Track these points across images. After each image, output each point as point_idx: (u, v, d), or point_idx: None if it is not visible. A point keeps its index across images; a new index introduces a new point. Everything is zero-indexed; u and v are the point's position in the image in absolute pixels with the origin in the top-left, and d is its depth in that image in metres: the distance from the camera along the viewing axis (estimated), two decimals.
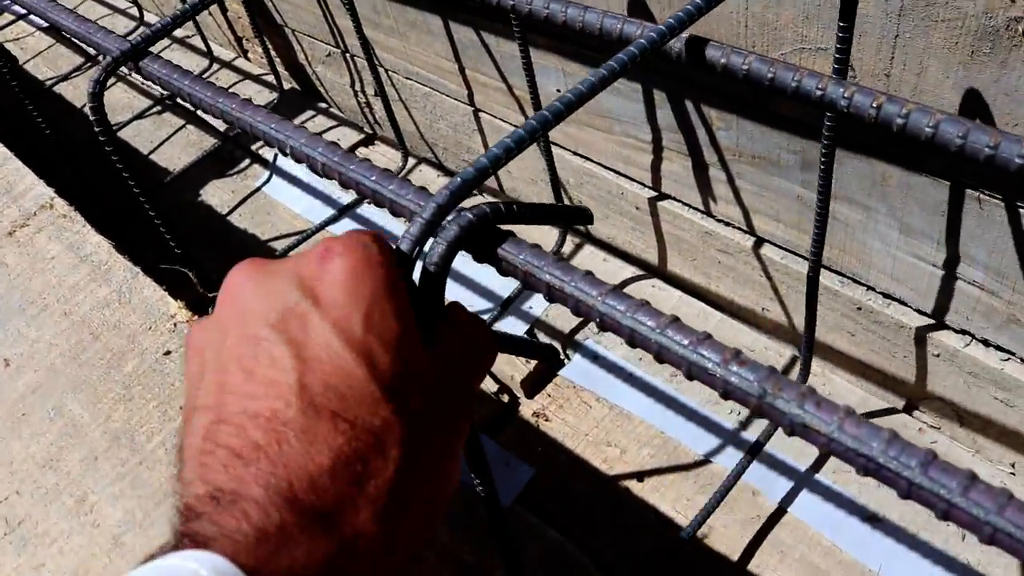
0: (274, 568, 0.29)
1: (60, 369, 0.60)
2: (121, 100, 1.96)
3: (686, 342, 0.36)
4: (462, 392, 0.38)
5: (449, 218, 0.42)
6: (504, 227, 0.44)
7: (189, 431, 0.34)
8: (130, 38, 0.68)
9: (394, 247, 0.39)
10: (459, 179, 0.45)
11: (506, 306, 1.29)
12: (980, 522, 0.30)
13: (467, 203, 0.43)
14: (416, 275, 0.41)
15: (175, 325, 0.59)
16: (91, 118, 0.69)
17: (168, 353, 0.61)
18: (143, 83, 2.00)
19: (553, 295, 0.39)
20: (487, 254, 0.43)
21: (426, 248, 0.43)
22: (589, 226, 1.36)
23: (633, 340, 0.37)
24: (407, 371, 0.34)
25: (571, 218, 0.49)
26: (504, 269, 0.42)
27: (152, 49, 0.70)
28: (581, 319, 1.27)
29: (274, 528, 0.29)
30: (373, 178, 0.47)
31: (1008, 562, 0.95)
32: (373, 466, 0.32)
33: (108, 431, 0.55)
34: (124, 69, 0.66)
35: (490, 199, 0.46)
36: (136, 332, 0.59)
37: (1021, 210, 0.77)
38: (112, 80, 2.06)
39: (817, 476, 1.05)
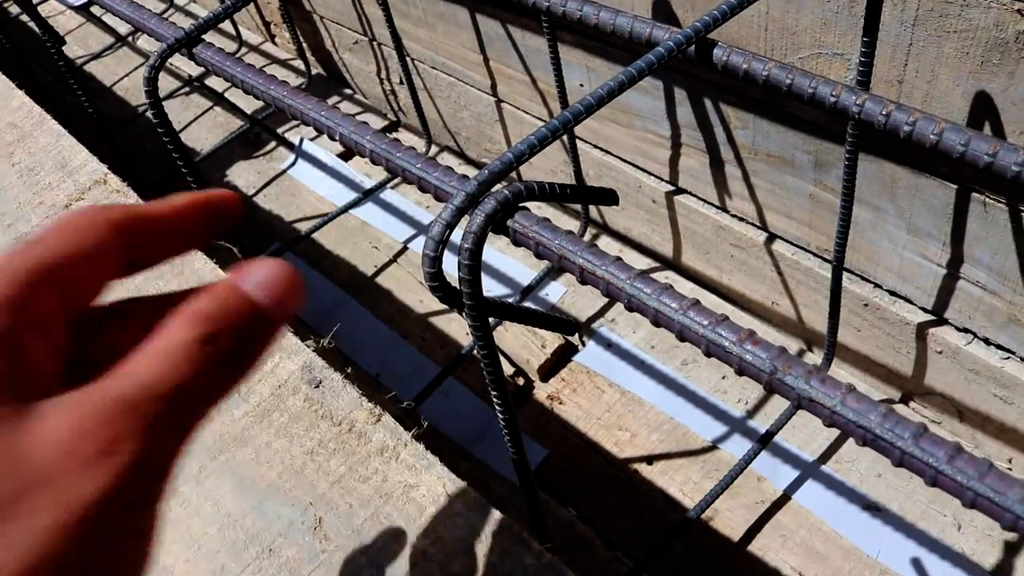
0: None
1: None
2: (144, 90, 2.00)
3: (705, 322, 0.40)
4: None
5: (489, 193, 0.47)
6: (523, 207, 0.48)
7: None
8: (184, 27, 0.72)
9: None
10: (486, 171, 0.49)
11: (527, 293, 1.33)
12: (964, 488, 0.34)
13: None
14: (455, 262, 0.45)
15: None
16: (146, 100, 0.73)
17: None
18: (171, 64, 2.04)
19: (585, 277, 0.43)
20: (521, 235, 0.47)
21: (457, 230, 0.47)
22: (606, 218, 1.39)
23: (657, 320, 0.41)
24: None
25: (598, 198, 0.54)
26: (540, 253, 0.46)
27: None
28: (597, 309, 1.31)
29: None
30: (419, 165, 0.51)
31: (1000, 551, 0.99)
32: None
33: None
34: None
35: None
36: None
37: (1023, 214, 0.81)
38: (140, 60, 2.10)
39: (820, 466, 1.09)
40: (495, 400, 0.56)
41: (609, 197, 0.54)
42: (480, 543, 0.44)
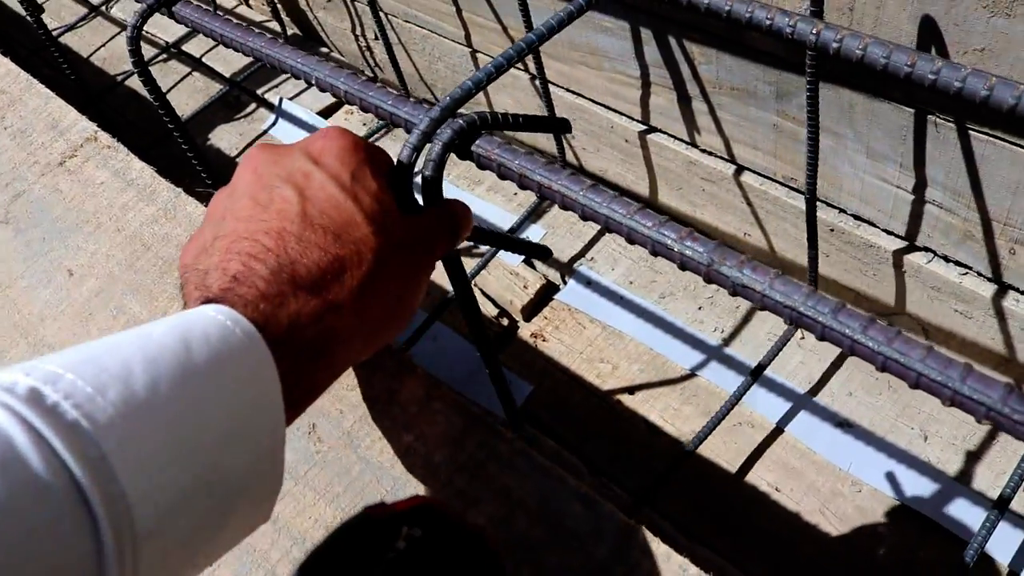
0: (274, 318, 0.41)
1: (118, 276, 0.68)
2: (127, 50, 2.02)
3: (650, 224, 0.44)
4: (426, 245, 0.51)
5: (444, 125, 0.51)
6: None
7: (209, 254, 0.45)
8: None
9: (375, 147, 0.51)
10: (448, 98, 0.54)
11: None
12: (875, 352, 0.39)
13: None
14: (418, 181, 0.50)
15: None
16: (131, 60, 0.77)
17: None
18: (148, 32, 2.06)
19: (543, 192, 0.48)
20: (484, 158, 0.51)
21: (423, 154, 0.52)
22: (582, 160, 1.43)
23: (608, 226, 0.46)
24: (384, 211, 0.47)
25: (551, 127, 0.59)
26: (502, 174, 0.50)
27: None
28: (577, 250, 1.35)
29: (274, 294, 0.41)
30: (390, 102, 0.55)
31: (963, 459, 1.04)
32: (353, 261, 0.45)
33: None
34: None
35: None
36: (183, 242, 0.68)
37: (971, 132, 0.85)
38: (116, 30, 2.11)
39: (793, 387, 1.14)
40: (467, 319, 0.60)
41: (562, 125, 0.58)
42: (459, 436, 0.49)
